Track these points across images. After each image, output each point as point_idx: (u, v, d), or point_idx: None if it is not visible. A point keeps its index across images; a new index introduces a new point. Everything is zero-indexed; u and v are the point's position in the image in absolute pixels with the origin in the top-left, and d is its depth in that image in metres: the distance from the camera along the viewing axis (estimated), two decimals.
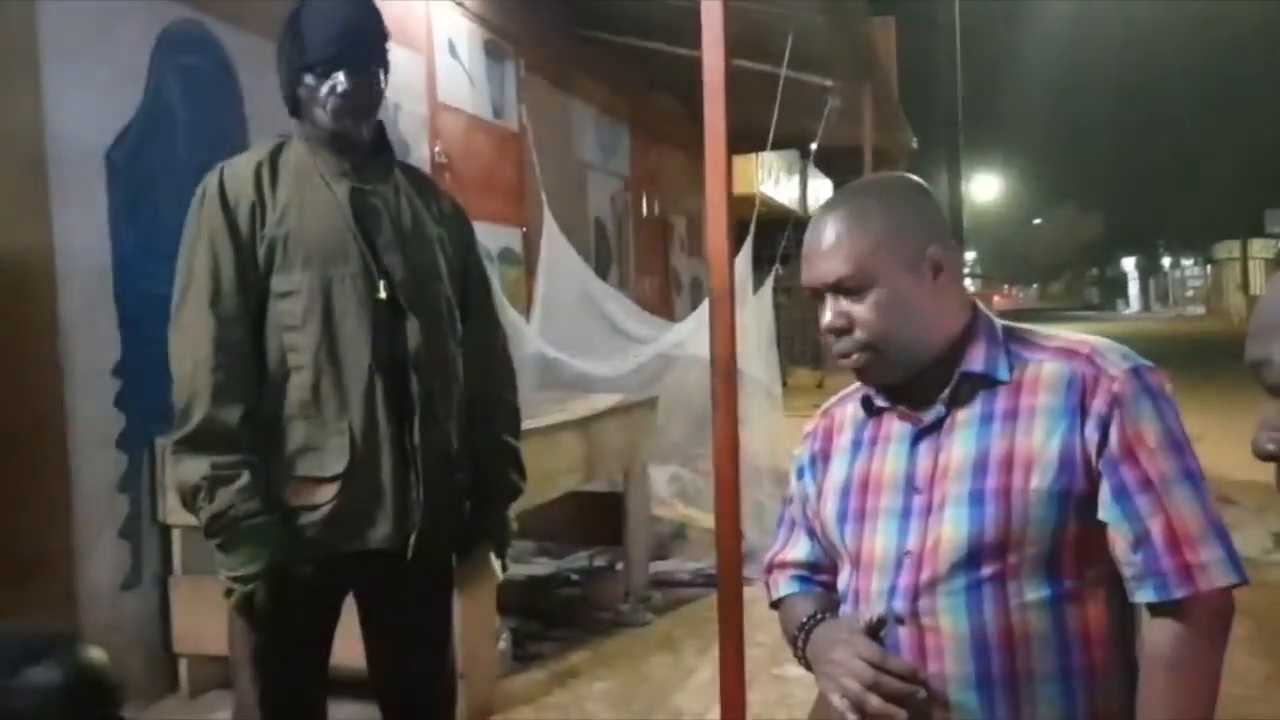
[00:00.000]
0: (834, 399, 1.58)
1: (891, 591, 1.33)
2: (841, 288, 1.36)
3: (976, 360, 1.36)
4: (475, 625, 3.29)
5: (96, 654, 1.13)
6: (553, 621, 4.43)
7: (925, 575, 1.31)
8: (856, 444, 1.46)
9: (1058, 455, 1.28)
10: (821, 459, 1.51)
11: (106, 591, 3.46)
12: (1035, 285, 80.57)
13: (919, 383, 1.39)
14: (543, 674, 3.87)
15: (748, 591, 2.64)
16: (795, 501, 1.58)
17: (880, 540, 1.36)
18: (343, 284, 2.01)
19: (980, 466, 1.31)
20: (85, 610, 3.36)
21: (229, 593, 1.95)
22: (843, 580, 1.45)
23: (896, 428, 1.41)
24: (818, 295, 1.40)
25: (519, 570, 4.71)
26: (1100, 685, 1.28)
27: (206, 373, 1.94)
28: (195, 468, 1.93)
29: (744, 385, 2.86)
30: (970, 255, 56.37)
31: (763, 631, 3.58)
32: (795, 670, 3.69)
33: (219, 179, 2.03)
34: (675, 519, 5.99)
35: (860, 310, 1.35)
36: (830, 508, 1.45)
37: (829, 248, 1.37)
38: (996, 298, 64.68)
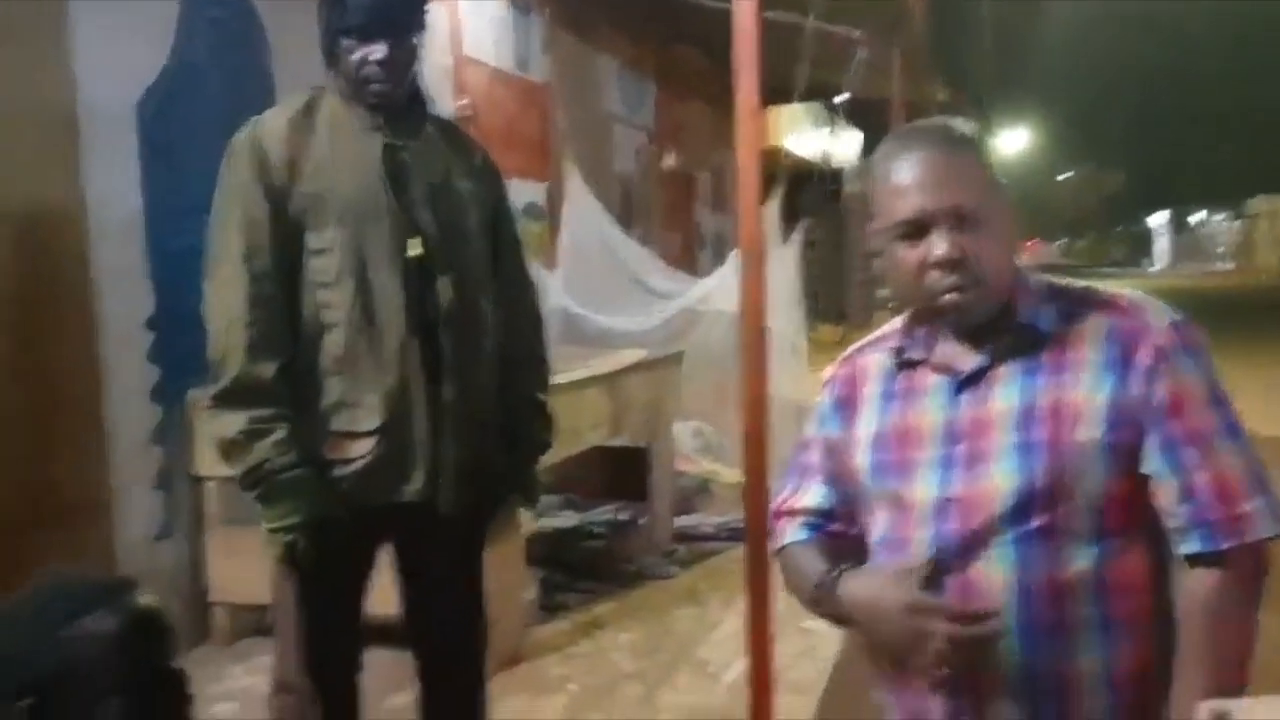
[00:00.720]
0: (852, 348, 1.56)
1: (936, 539, 1.33)
2: (960, 216, 1.31)
3: (1021, 312, 1.36)
4: (504, 576, 3.33)
5: (150, 602, 1.15)
6: (578, 573, 4.48)
7: (972, 524, 1.31)
8: (888, 395, 1.45)
9: (1105, 408, 1.28)
10: (847, 406, 1.49)
11: (141, 541, 3.52)
12: (1061, 241, 79.58)
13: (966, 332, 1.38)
14: (568, 624, 3.93)
15: None
16: (813, 448, 1.55)
17: (921, 490, 1.36)
18: (376, 241, 2.02)
19: (1027, 418, 1.31)
20: (120, 560, 3.42)
21: (271, 543, 1.98)
22: (879, 529, 1.43)
23: (932, 380, 1.40)
24: (912, 231, 1.33)
25: (545, 523, 4.75)
26: (1140, 634, 1.30)
27: (241, 328, 1.95)
28: (232, 422, 1.95)
29: (769, 340, 2.85)
30: None
31: None
32: (820, 623, 3.72)
33: (251, 134, 2.03)
34: (699, 474, 6.01)
35: (973, 242, 1.31)
36: (863, 459, 1.44)
37: (944, 176, 1.32)
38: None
